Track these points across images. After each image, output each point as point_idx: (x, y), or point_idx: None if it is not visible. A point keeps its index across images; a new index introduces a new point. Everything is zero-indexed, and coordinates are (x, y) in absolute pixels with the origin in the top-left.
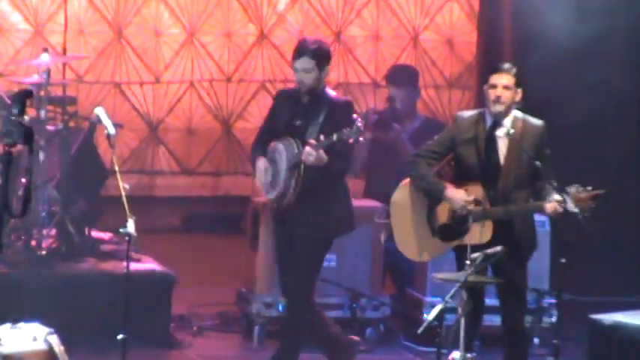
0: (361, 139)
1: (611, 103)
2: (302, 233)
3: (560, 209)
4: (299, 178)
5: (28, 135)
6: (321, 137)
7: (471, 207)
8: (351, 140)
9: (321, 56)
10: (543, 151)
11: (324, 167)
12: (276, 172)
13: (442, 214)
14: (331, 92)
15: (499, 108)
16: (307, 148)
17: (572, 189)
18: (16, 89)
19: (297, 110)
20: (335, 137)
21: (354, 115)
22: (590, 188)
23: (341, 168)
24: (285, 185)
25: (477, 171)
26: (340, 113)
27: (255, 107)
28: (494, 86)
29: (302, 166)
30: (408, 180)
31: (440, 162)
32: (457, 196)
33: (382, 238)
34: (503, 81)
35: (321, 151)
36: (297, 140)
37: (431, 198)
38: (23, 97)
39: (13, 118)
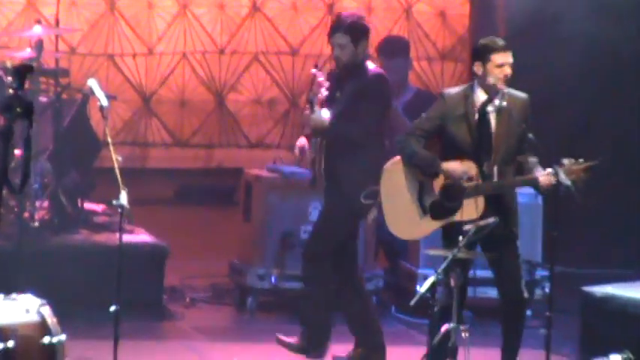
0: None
1: (614, 73)
2: (326, 204)
3: (552, 181)
4: (320, 151)
5: (27, 109)
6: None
7: (469, 176)
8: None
9: (356, 31)
10: (528, 124)
11: (334, 135)
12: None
13: (433, 192)
14: (370, 65)
15: (504, 86)
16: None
17: (565, 161)
18: (8, 61)
19: (338, 85)
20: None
21: (314, 70)
22: (582, 160)
23: (346, 134)
24: (312, 162)
25: (468, 147)
26: (368, 86)
27: (248, 79)
28: (500, 65)
29: (320, 140)
30: (396, 159)
31: (429, 140)
32: (454, 166)
33: (370, 217)
34: (509, 59)
35: (316, 115)
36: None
37: (425, 173)
38: (23, 71)
39: (12, 91)
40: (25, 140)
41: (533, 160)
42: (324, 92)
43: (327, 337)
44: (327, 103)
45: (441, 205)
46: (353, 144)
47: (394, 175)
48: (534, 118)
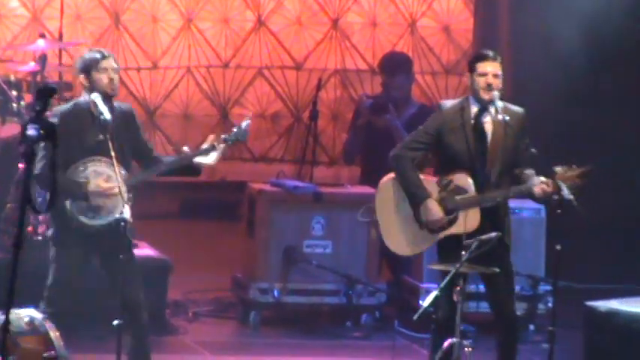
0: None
1: (613, 90)
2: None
3: (548, 190)
4: None
5: (50, 131)
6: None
7: (444, 224)
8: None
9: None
10: (524, 138)
11: None
12: None
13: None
14: None
15: (491, 96)
16: None
17: (558, 168)
18: (12, 75)
19: None
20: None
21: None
22: (574, 166)
23: None
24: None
25: (464, 158)
26: None
27: (252, 93)
28: (483, 74)
29: None
30: (390, 175)
31: (425, 152)
32: (435, 209)
33: (373, 234)
34: (492, 69)
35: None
36: None
37: (410, 200)
38: (47, 94)
39: (35, 113)
40: (50, 162)
41: (529, 171)
42: None
43: None
44: None
45: None
46: None
47: (389, 191)
48: (537, 130)
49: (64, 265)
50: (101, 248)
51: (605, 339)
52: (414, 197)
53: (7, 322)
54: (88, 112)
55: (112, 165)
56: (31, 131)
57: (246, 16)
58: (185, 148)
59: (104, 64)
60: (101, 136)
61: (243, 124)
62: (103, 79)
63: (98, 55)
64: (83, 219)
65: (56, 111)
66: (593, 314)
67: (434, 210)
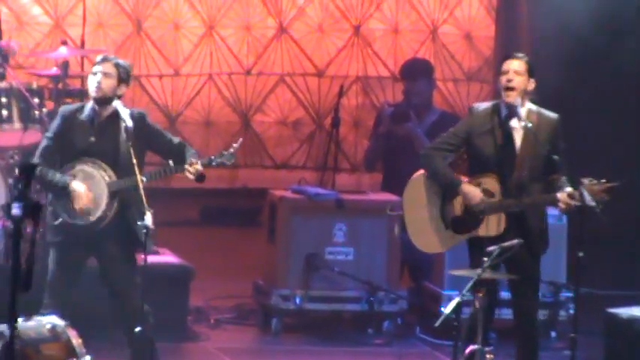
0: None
1: (632, 97)
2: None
3: (572, 202)
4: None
5: (34, 209)
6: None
7: (485, 203)
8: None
9: None
10: (558, 144)
11: None
12: None
13: (456, 207)
14: None
15: (511, 93)
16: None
17: (586, 181)
18: (34, 82)
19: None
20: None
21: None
22: (604, 181)
23: None
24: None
25: (492, 162)
26: None
27: (274, 100)
28: (505, 72)
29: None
30: (420, 172)
31: (454, 154)
32: (473, 191)
33: (396, 230)
34: (514, 66)
35: None
36: None
37: (446, 191)
38: (28, 172)
39: (18, 193)
40: (30, 241)
41: (563, 179)
42: None
43: None
44: None
45: (463, 219)
46: None
47: (417, 188)
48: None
49: (58, 266)
50: (95, 251)
51: (627, 346)
52: (448, 186)
53: (11, 340)
54: (87, 115)
55: (101, 168)
56: (15, 210)
57: (267, 23)
58: (170, 162)
59: (96, 67)
60: (92, 139)
61: (232, 149)
62: (90, 81)
63: (97, 59)
64: (65, 216)
65: (61, 110)
66: (614, 321)
67: (471, 193)
